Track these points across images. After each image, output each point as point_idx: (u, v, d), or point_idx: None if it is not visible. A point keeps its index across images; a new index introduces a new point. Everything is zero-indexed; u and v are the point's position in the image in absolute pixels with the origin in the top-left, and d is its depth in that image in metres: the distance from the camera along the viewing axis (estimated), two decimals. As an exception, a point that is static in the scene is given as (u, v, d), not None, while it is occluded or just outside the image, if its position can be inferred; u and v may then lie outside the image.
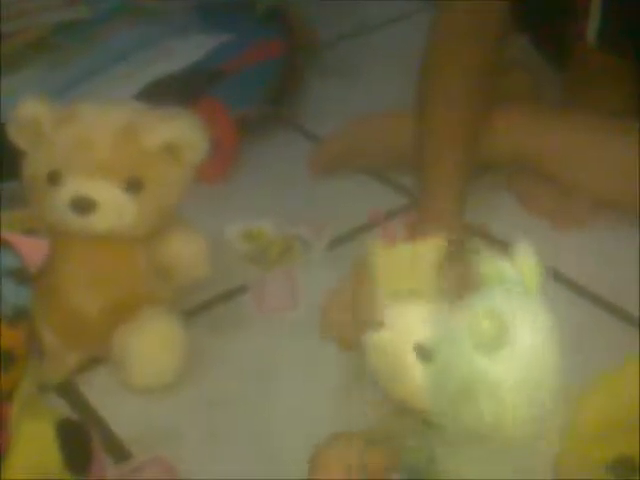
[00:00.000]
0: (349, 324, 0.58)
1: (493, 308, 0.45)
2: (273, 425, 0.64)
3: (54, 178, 0.63)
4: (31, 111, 0.65)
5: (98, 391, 0.67)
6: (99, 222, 0.63)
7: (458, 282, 0.56)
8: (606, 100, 0.85)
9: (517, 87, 0.90)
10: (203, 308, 0.74)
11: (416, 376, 0.53)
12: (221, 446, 0.62)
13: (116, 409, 0.65)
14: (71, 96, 0.84)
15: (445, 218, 0.75)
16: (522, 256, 0.49)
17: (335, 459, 0.50)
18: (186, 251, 0.68)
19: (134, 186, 0.64)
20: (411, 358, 0.55)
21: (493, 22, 0.84)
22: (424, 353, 0.53)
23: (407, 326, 0.57)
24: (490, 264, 0.50)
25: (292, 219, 0.82)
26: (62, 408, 0.64)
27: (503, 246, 0.77)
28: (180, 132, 0.65)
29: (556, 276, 0.75)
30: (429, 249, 0.55)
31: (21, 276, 0.40)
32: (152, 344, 0.65)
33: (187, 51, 0.93)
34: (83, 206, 0.63)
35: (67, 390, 0.67)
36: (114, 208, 0.63)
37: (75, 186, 0.63)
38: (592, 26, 0.85)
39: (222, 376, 0.68)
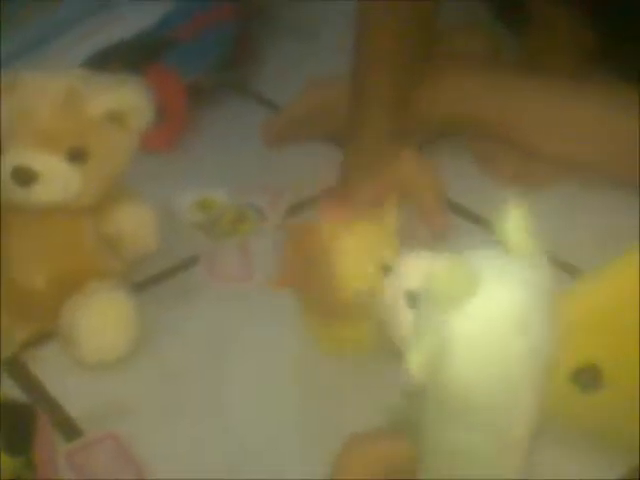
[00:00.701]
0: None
1: (464, 261, 0.43)
2: (227, 398, 0.63)
3: (-5, 147, 0.61)
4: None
5: (47, 367, 0.65)
6: (41, 193, 0.61)
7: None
8: (564, 59, 0.84)
9: (471, 47, 0.89)
10: (154, 280, 0.72)
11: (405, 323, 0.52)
12: (175, 420, 0.61)
13: (66, 385, 0.64)
14: (16, 66, 0.81)
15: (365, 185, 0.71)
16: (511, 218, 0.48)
17: (359, 461, 0.48)
18: (133, 222, 0.66)
19: (78, 155, 0.62)
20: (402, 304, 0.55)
21: None
22: (412, 301, 0.53)
23: (404, 273, 0.58)
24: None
25: (246, 187, 0.80)
26: (10, 386, 0.63)
27: (461, 211, 0.78)
28: (124, 98, 0.63)
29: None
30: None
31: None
32: (101, 318, 0.63)
33: (137, 18, 0.90)
34: (24, 177, 0.61)
35: (15, 367, 0.65)
36: (57, 178, 0.62)
37: (16, 157, 0.61)
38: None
39: (175, 349, 0.66)
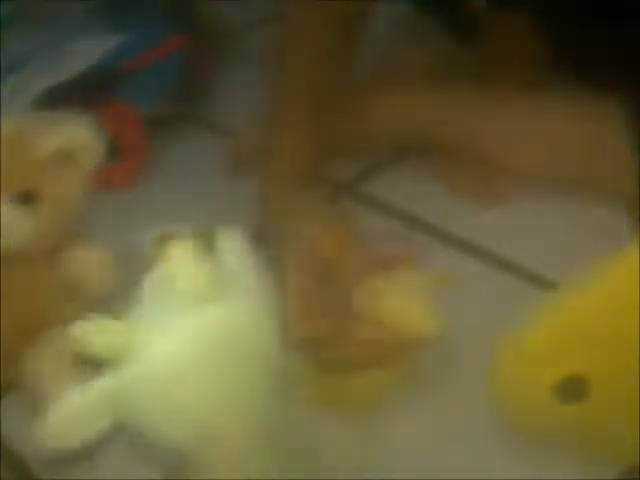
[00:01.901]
0: None
1: None
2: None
3: (-61, 196, 0.59)
4: None
5: (8, 420, 0.62)
6: (-8, 240, 0.59)
7: None
8: (517, 68, 0.84)
9: (420, 62, 0.88)
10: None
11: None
12: (137, 466, 0.59)
13: (26, 435, 0.61)
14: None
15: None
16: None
17: None
18: (90, 266, 0.64)
19: (28, 199, 0.60)
20: None
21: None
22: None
23: None
24: None
25: (209, 221, 0.78)
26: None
27: (429, 229, 0.77)
28: (72, 136, 0.62)
29: (478, 251, 0.74)
30: None
31: None
32: (60, 368, 0.61)
33: (86, 53, 0.88)
34: (-30, 225, 0.58)
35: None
36: (6, 224, 0.59)
37: (-39, 203, 0.59)
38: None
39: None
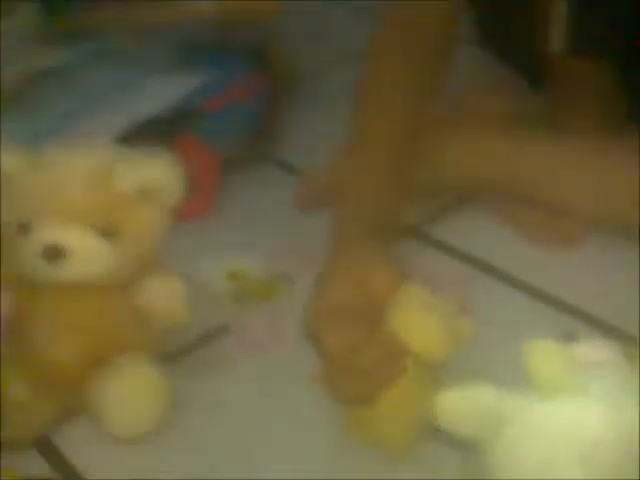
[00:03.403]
0: None
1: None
2: (258, 470, 0.62)
3: (25, 227, 0.62)
4: (1, 161, 0.64)
5: (75, 444, 0.65)
6: (71, 270, 0.62)
7: None
8: (591, 115, 0.84)
9: (494, 107, 0.89)
10: (184, 352, 0.72)
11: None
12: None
13: (95, 462, 0.63)
14: (49, 142, 0.83)
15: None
16: None
17: None
18: (164, 296, 0.66)
19: (108, 232, 0.63)
20: None
21: (437, 34, 0.82)
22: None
23: None
24: None
25: (276, 255, 0.81)
26: (39, 464, 0.63)
27: (497, 274, 0.78)
28: (155, 174, 0.64)
29: (545, 297, 0.74)
30: None
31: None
32: (131, 392, 0.63)
33: (167, 92, 0.92)
34: (54, 254, 0.61)
35: (44, 444, 0.65)
36: (87, 255, 0.62)
37: (46, 234, 0.62)
38: (558, 31, 0.84)
39: (206, 422, 0.66)
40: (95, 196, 0.63)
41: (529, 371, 0.45)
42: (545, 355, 0.44)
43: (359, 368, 0.59)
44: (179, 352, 0.72)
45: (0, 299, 0.55)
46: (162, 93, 0.91)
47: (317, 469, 0.61)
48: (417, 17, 0.82)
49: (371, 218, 0.71)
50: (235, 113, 0.92)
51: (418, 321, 0.59)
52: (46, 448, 0.65)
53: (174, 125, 0.88)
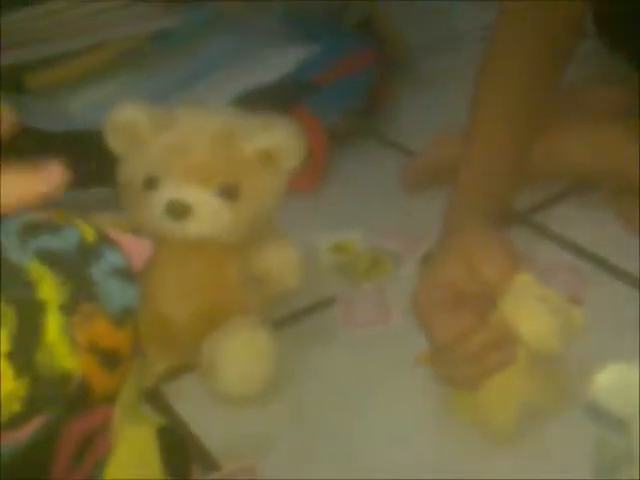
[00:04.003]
0: None
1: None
2: (358, 444, 0.62)
3: (150, 183, 0.63)
4: (129, 116, 0.65)
5: (185, 399, 0.66)
6: (194, 227, 0.63)
7: None
8: None
9: (610, 100, 0.87)
10: (290, 319, 0.73)
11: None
12: (306, 461, 0.61)
13: (202, 417, 0.64)
14: (166, 104, 0.84)
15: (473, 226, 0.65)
16: None
17: None
18: (279, 261, 0.67)
19: (230, 192, 0.63)
20: None
21: (565, 15, 0.79)
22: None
23: None
24: None
25: (382, 232, 0.80)
26: (149, 415, 0.64)
27: (605, 265, 0.76)
28: (278, 139, 0.64)
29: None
30: None
31: (128, 275, 0.39)
32: (242, 352, 0.64)
33: (280, 61, 0.92)
34: (178, 211, 0.62)
35: (155, 397, 0.66)
36: (209, 214, 0.63)
37: (171, 191, 0.63)
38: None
39: (309, 390, 0.66)
40: (220, 157, 0.63)
41: None
42: None
43: (467, 353, 0.58)
44: (287, 320, 0.72)
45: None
46: (277, 63, 0.91)
47: (417, 447, 0.61)
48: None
49: (485, 202, 0.70)
50: (345, 87, 0.92)
51: (531, 312, 0.58)
52: (157, 400, 0.66)
53: (287, 95, 0.88)
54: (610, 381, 0.44)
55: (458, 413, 0.62)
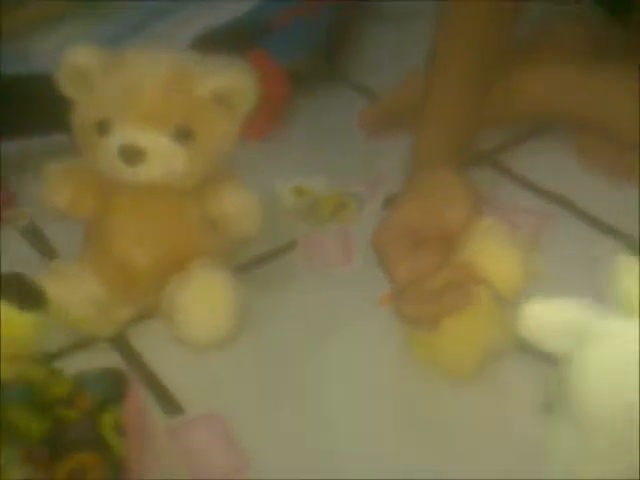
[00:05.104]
0: None
1: None
2: (325, 383, 0.62)
3: (103, 127, 0.62)
4: (81, 59, 0.63)
5: (149, 344, 0.66)
6: (148, 171, 0.62)
7: None
8: None
9: (573, 36, 0.86)
10: (253, 264, 0.72)
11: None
12: (272, 403, 0.61)
13: (167, 362, 0.64)
14: (122, 47, 0.83)
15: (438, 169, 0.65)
16: None
17: None
18: (235, 205, 0.66)
19: (184, 135, 0.62)
20: None
21: None
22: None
23: None
24: None
25: (344, 175, 0.80)
26: (114, 360, 0.64)
27: (562, 201, 0.77)
28: (231, 81, 0.63)
29: (612, 231, 0.72)
30: None
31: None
32: (203, 297, 0.63)
33: (236, 3, 0.90)
34: (131, 155, 0.61)
35: (119, 342, 0.66)
36: (163, 157, 0.62)
37: (124, 135, 0.61)
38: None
39: (273, 332, 0.66)
40: (173, 99, 0.62)
41: (613, 288, 0.44)
42: (630, 272, 0.43)
43: (427, 293, 0.58)
44: (250, 264, 0.72)
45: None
46: (231, 4, 0.89)
47: (379, 385, 0.62)
48: None
49: (448, 143, 0.69)
50: (303, 28, 0.90)
51: (496, 254, 0.58)
52: (122, 345, 0.65)
53: (242, 38, 0.87)
54: (535, 317, 0.44)
55: (419, 353, 0.62)
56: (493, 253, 0.58)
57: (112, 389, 0.53)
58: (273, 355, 0.65)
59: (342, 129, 0.87)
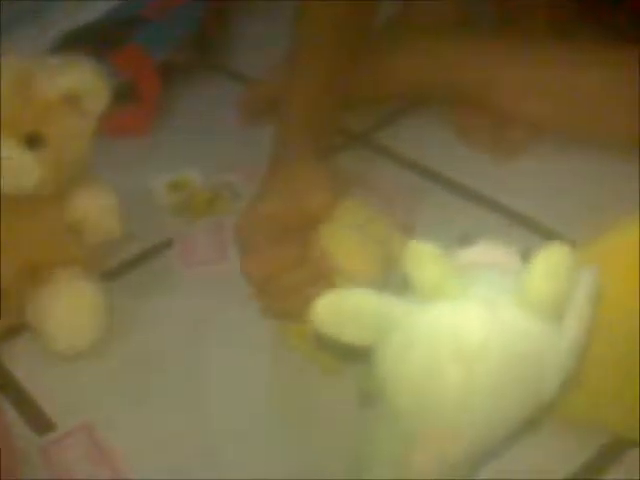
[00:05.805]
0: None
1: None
2: (203, 386, 0.61)
3: (-54, 140, 0.59)
4: None
5: (20, 359, 0.63)
6: (3, 185, 0.59)
7: None
8: (541, 27, 0.81)
9: (442, 15, 0.86)
10: (127, 266, 0.70)
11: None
12: (149, 410, 0.59)
13: (38, 378, 0.62)
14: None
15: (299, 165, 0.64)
16: None
17: None
18: (94, 208, 0.64)
19: (34, 141, 0.60)
20: None
21: None
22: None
23: None
24: None
25: (221, 166, 0.78)
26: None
27: (440, 180, 0.76)
28: (79, 80, 0.61)
29: (496, 206, 0.72)
30: None
31: None
32: (69, 306, 0.61)
33: (101, 1, 0.88)
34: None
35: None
36: (13, 167, 0.59)
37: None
38: None
39: (149, 338, 0.64)
40: (15, 106, 0.60)
41: (408, 275, 0.42)
42: (422, 258, 0.42)
43: (285, 287, 0.57)
44: (123, 267, 0.70)
45: None
46: (94, 3, 0.87)
47: (257, 381, 0.61)
48: None
49: (307, 132, 0.68)
50: (175, 20, 0.89)
51: (343, 240, 0.57)
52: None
53: (111, 33, 0.84)
54: (327, 308, 0.42)
55: (290, 345, 0.61)
56: (341, 239, 0.57)
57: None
58: (148, 361, 0.63)
59: (219, 119, 0.85)
